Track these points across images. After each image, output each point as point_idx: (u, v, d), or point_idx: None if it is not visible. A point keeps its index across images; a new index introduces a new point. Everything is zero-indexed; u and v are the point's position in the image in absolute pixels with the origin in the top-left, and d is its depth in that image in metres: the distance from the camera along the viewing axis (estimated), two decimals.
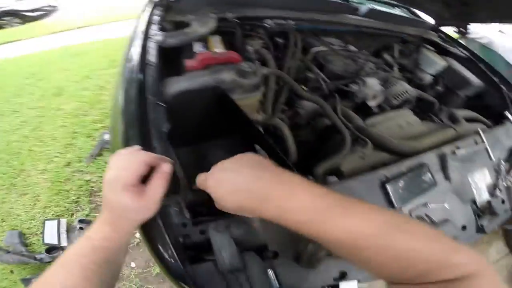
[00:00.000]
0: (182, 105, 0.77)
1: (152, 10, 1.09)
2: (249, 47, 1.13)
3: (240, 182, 0.39)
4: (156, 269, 1.61)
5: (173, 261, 0.54)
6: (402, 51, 1.57)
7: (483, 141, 1.08)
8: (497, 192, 1.06)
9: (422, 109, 1.47)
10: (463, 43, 1.91)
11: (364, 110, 1.25)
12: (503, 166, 1.12)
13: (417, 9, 1.63)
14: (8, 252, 1.67)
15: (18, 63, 4.21)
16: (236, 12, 1.05)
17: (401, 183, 0.80)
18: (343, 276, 0.71)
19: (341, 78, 1.25)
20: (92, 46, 4.27)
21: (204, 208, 0.63)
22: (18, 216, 1.95)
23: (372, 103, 1.24)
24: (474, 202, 1.00)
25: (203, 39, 0.98)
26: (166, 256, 0.55)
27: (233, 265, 0.53)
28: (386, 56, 1.58)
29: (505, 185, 1.10)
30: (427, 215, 0.87)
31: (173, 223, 0.58)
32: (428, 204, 0.87)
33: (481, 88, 1.47)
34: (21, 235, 1.84)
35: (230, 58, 0.87)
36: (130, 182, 0.40)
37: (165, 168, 0.46)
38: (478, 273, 0.33)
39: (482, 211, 1.04)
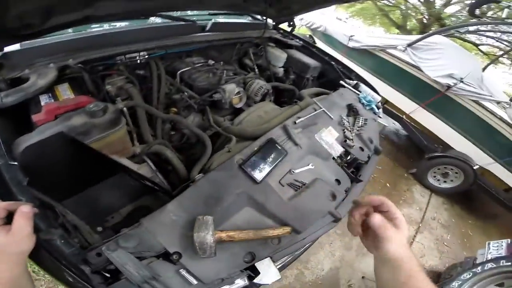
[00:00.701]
0: (34, 158, 0.77)
1: None
2: (109, 86, 1.18)
3: None
4: None
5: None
6: (255, 53, 1.87)
7: (320, 107, 1.33)
8: (350, 142, 1.24)
9: (288, 97, 1.79)
10: (305, 35, 2.39)
11: (238, 113, 1.42)
12: (345, 120, 1.36)
13: (246, 13, 1.89)
14: None
15: None
16: (78, 58, 1.08)
17: (255, 160, 0.94)
18: (253, 257, 0.78)
19: (208, 91, 1.41)
20: None
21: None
22: None
23: (239, 105, 1.47)
24: (334, 157, 1.16)
25: (49, 90, 0.98)
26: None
27: (143, 276, 0.59)
28: (247, 61, 1.87)
29: (355, 135, 1.30)
30: (296, 180, 0.99)
31: (65, 253, 0.61)
32: (293, 171, 1.01)
33: (320, 68, 1.88)
34: None
35: (79, 103, 0.92)
36: None
37: (24, 208, 0.54)
38: None
39: (346, 162, 1.21)
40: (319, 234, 0.97)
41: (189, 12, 1.68)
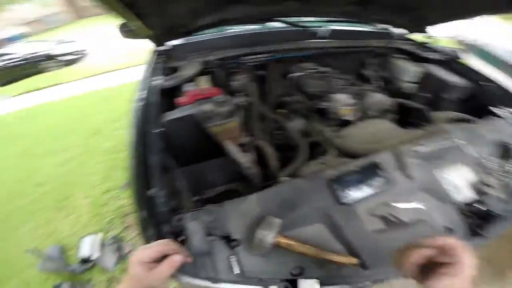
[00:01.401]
0: (174, 130, 1.00)
1: (156, 58, 1.39)
2: (234, 82, 1.36)
3: None
4: (174, 283, 1.72)
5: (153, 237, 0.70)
6: (379, 65, 1.69)
7: (455, 139, 1.02)
8: (489, 190, 0.94)
9: (414, 117, 1.49)
10: (453, 48, 1.92)
11: (346, 125, 1.34)
12: (490, 162, 1.00)
13: (370, 22, 1.71)
14: (49, 261, 1.94)
15: (64, 105, 4.94)
16: (217, 55, 1.29)
17: (349, 180, 0.85)
18: (300, 272, 0.74)
19: (318, 98, 1.40)
20: (118, 90, 4.85)
21: None
22: (62, 232, 2.31)
23: (348, 117, 1.37)
24: (458, 202, 0.92)
25: (193, 80, 1.24)
26: (148, 236, 0.71)
27: (201, 249, 0.68)
28: (367, 72, 1.73)
29: (499, 182, 0.96)
30: (391, 215, 0.84)
31: (159, 210, 0.74)
32: (392, 204, 0.85)
33: (466, 88, 1.46)
34: (62, 248, 2.14)
35: (211, 93, 1.11)
36: (143, 260, 0.53)
37: (176, 257, 0.56)
38: None
39: (471, 212, 0.91)
40: (387, 278, 0.80)
41: (307, 19, 1.69)
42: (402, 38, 1.74)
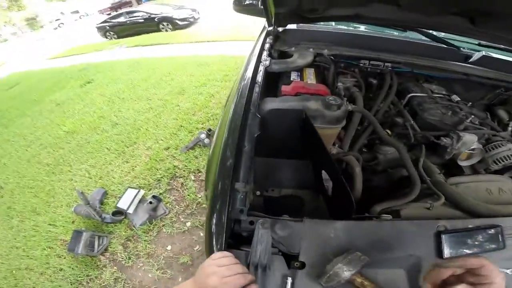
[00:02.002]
0: (272, 120, 0.94)
1: (265, 38, 1.34)
2: (340, 84, 1.23)
3: None
4: (184, 258, 1.77)
5: (219, 242, 0.63)
6: None
7: None
8: None
9: None
10: None
11: (453, 169, 1.14)
12: None
13: None
14: (87, 204, 1.92)
15: (163, 62, 5.45)
16: (332, 50, 1.17)
17: (458, 236, 0.72)
18: None
19: (435, 129, 1.17)
20: (214, 60, 5.06)
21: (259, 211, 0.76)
22: (113, 178, 2.51)
23: (464, 163, 1.12)
24: None
25: (300, 69, 1.16)
26: (215, 236, 0.65)
27: (261, 261, 0.62)
28: (501, 112, 1.37)
29: None
30: None
31: (235, 206, 0.70)
32: None
33: None
34: (105, 194, 2.26)
35: (318, 90, 1.01)
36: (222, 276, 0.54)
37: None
38: None
39: None
40: None
41: (454, 36, 1.42)
42: None
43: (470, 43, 1.49)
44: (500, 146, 1.11)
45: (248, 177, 0.77)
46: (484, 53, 1.34)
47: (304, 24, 1.40)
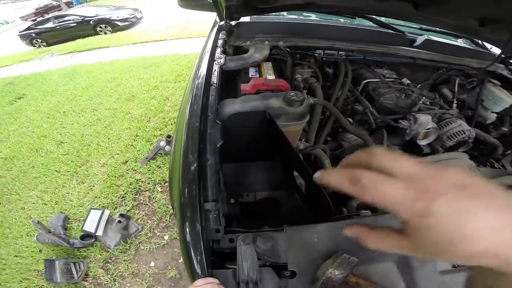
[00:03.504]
0: (234, 124, 0.85)
1: (217, 33, 1.24)
2: (298, 76, 1.19)
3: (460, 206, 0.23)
4: (171, 272, 1.68)
5: (198, 260, 0.58)
6: (463, 86, 1.45)
7: None
8: None
9: (482, 153, 1.33)
10: None
11: (413, 148, 1.20)
12: None
13: (480, 40, 1.49)
14: (49, 232, 1.77)
15: (105, 68, 4.90)
16: (288, 42, 1.12)
17: None
18: None
19: (392, 113, 1.21)
20: (164, 60, 4.74)
21: (236, 222, 0.69)
22: (71, 201, 2.22)
23: (422, 142, 1.18)
24: None
25: (257, 65, 1.08)
26: (193, 255, 0.59)
27: (250, 277, 0.57)
28: (445, 91, 1.48)
29: None
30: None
31: (209, 226, 0.63)
32: None
33: None
34: (66, 219, 2.03)
35: (279, 86, 0.95)
36: None
37: None
38: None
39: None
40: None
41: (399, 22, 1.49)
42: (500, 61, 1.48)
43: (413, 27, 1.58)
44: (451, 123, 1.18)
45: (218, 194, 0.69)
46: (426, 37, 1.42)
47: (258, 16, 1.33)
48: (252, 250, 0.61)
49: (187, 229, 0.60)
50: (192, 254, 0.59)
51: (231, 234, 0.64)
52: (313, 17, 1.31)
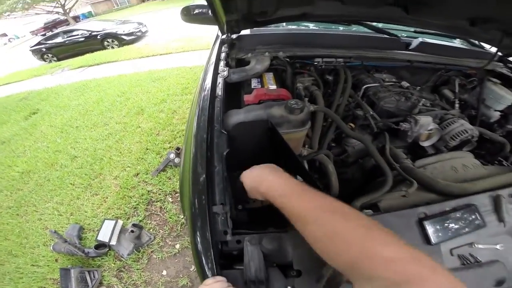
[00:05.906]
0: (239, 134, 0.89)
1: (220, 47, 1.30)
2: (299, 84, 1.23)
3: (254, 174, 0.69)
4: (183, 280, 1.72)
5: (210, 267, 0.62)
6: (463, 86, 1.46)
7: None
8: None
9: (490, 151, 1.33)
10: None
11: (417, 150, 1.21)
12: None
13: (475, 39, 1.51)
14: (65, 241, 1.87)
15: (114, 82, 5.10)
16: (287, 52, 1.17)
17: (441, 221, 0.75)
18: None
19: (393, 116, 1.23)
20: (170, 73, 4.88)
21: (244, 227, 0.73)
22: (85, 212, 2.31)
23: (425, 144, 1.19)
24: None
25: (259, 75, 1.13)
26: (205, 262, 0.63)
27: (257, 277, 0.60)
28: (446, 92, 1.50)
29: None
30: (471, 255, 0.79)
31: (217, 229, 0.67)
32: (475, 244, 0.79)
33: None
34: (81, 229, 2.12)
35: (280, 95, 0.99)
36: None
37: None
38: (421, 277, 0.31)
39: None
40: None
41: (394, 26, 1.52)
42: (498, 59, 1.49)
43: (407, 31, 1.61)
44: (453, 123, 1.19)
45: (225, 197, 0.73)
46: (420, 39, 1.45)
47: (258, 28, 1.39)
48: (259, 250, 0.64)
49: (198, 238, 0.64)
50: (204, 262, 0.62)
51: (238, 236, 0.68)
52: (310, 26, 1.36)
